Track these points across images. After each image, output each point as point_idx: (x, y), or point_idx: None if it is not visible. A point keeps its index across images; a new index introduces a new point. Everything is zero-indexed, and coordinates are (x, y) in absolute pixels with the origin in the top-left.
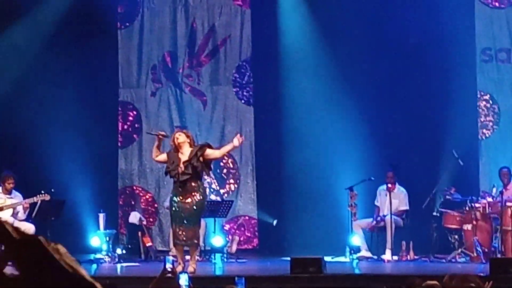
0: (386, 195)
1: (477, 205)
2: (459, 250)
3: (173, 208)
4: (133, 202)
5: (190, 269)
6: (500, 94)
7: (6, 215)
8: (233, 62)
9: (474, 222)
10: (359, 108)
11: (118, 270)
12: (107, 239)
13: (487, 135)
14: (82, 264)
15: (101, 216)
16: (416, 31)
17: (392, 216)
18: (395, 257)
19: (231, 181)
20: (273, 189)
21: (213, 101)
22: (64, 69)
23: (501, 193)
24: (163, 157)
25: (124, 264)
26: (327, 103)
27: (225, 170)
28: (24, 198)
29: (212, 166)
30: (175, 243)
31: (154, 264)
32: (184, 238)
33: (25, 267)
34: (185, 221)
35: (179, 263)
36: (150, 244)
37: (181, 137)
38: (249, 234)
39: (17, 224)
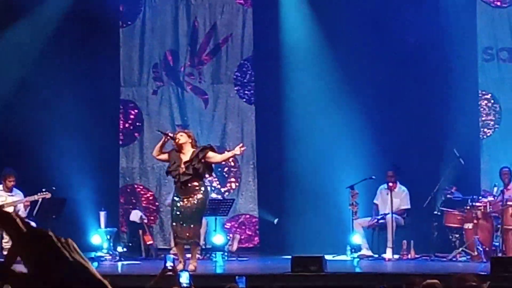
0: (387, 194)
1: (478, 204)
2: (460, 249)
3: (174, 208)
4: (134, 200)
5: (191, 267)
6: (501, 93)
7: None
8: (234, 60)
9: (475, 221)
10: (361, 107)
11: (119, 268)
12: (108, 237)
13: (488, 134)
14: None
15: (102, 214)
16: (418, 30)
17: (393, 215)
18: (396, 256)
19: (232, 179)
20: (274, 187)
21: (215, 100)
22: (66, 67)
23: (502, 192)
24: (164, 156)
25: (125, 262)
26: (329, 101)
27: (226, 169)
28: (25, 196)
29: (213, 167)
30: (176, 241)
31: (155, 262)
32: (185, 237)
33: (33, 262)
34: (186, 220)
35: (180, 261)
36: (151, 242)
37: (182, 138)
38: (250, 233)
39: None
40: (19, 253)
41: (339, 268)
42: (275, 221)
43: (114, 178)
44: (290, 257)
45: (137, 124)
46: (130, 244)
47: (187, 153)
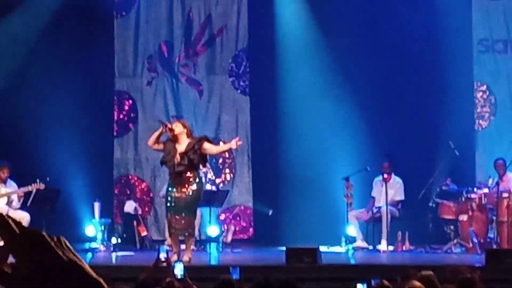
0: (382, 185)
1: (473, 196)
2: (455, 241)
3: (169, 199)
4: (128, 192)
5: (185, 258)
6: (496, 85)
7: (1, 204)
8: (229, 51)
9: (470, 213)
10: (356, 98)
11: (113, 259)
12: (102, 228)
13: (483, 126)
14: (77, 253)
15: (96, 205)
16: (413, 22)
17: (388, 206)
18: (391, 248)
19: (227, 170)
20: (269, 179)
21: (209, 91)
22: (60, 58)
23: (497, 184)
24: (159, 146)
25: (119, 253)
26: (324, 92)
27: (221, 160)
28: (19, 187)
29: (208, 158)
30: (171, 232)
31: (149, 253)
32: (180, 228)
33: (27, 263)
34: (180, 211)
35: (174, 253)
36: (145, 233)
37: (177, 128)
38: (244, 224)
39: (11, 213)
40: (13, 254)
41: (333, 260)
42: (270, 212)
43: (108, 169)
44: (284, 248)
45: (132, 115)
46: (124, 235)
47: (183, 143)
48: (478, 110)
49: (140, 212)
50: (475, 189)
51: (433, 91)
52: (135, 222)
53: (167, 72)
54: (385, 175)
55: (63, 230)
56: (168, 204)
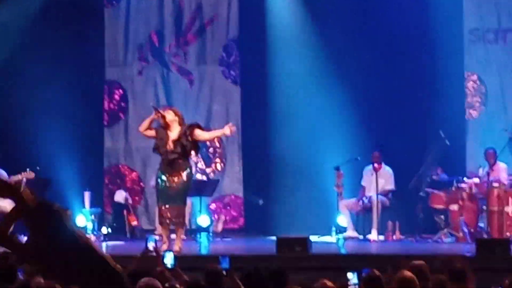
0: (372, 174)
1: (463, 185)
2: (445, 230)
3: (160, 186)
4: (118, 181)
5: (176, 248)
6: (487, 74)
7: None
8: (220, 41)
9: (461, 203)
10: (346, 88)
11: (104, 248)
12: (93, 217)
13: (474, 115)
14: None
15: (87, 194)
16: (404, 11)
17: (378, 196)
18: (381, 237)
19: (217, 160)
20: (260, 168)
21: (200, 80)
22: (50, 48)
23: (488, 173)
24: (151, 132)
25: (110, 243)
26: (314, 82)
27: (211, 149)
28: (9, 176)
29: (199, 145)
30: (161, 222)
31: (140, 243)
32: (170, 217)
33: (41, 232)
34: (171, 200)
35: (164, 242)
36: (135, 223)
37: (169, 115)
38: (235, 214)
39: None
40: (27, 225)
41: (324, 249)
42: (260, 202)
43: (98, 159)
44: (275, 238)
45: (122, 104)
46: (115, 225)
47: (174, 130)
48: (469, 100)
49: (130, 201)
50: (465, 179)
51: (424, 80)
52: (125, 212)
53: (157, 62)
54: (376, 165)
55: None
56: (159, 192)
